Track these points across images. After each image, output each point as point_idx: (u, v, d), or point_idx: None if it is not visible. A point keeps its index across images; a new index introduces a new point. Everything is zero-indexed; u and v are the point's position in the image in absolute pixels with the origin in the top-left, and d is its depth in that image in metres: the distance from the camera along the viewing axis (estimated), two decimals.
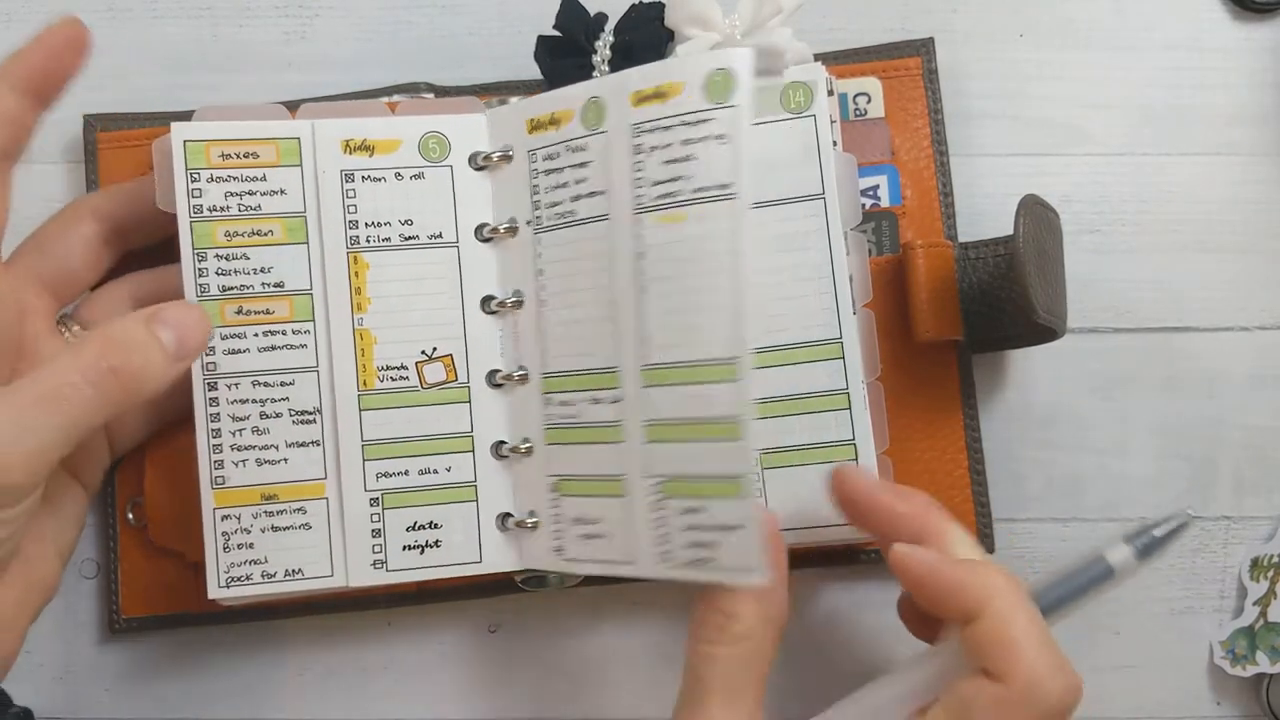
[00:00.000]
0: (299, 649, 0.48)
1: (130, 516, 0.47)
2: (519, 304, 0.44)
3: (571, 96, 0.42)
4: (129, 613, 0.47)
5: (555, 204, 0.43)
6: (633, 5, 0.45)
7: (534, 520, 0.44)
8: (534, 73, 0.45)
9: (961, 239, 0.46)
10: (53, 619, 0.48)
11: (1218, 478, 0.48)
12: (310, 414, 0.43)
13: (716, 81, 0.38)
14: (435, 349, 0.44)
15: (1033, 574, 0.47)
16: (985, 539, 0.46)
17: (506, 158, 0.44)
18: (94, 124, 0.48)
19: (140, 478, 0.46)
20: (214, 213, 0.43)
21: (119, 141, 0.47)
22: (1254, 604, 0.47)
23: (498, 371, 0.44)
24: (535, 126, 0.43)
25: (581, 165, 0.42)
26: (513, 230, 0.44)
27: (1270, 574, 0.47)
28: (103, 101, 0.48)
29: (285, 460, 0.43)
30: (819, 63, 0.44)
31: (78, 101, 0.48)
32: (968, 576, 0.36)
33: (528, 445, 0.44)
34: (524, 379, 0.44)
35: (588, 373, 0.42)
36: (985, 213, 0.48)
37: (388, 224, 0.44)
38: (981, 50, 0.49)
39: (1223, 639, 0.47)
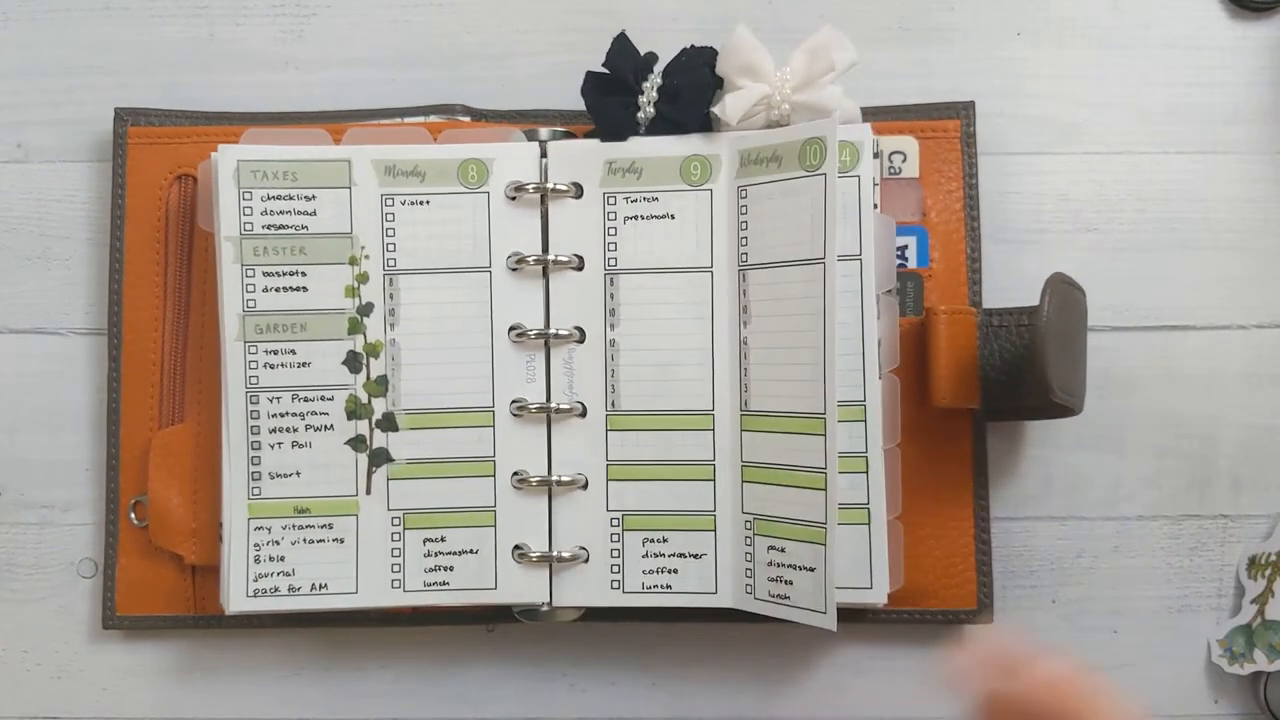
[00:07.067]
0: (296, 649, 0.48)
1: (133, 516, 0.47)
2: (579, 339, 0.44)
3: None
4: (125, 612, 0.47)
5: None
6: (684, 49, 0.44)
7: (581, 553, 0.44)
8: (531, 70, 0.45)
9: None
10: (50, 618, 0.48)
11: (1215, 476, 0.48)
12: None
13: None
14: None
15: (1031, 571, 0.47)
16: (985, 592, 0.46)
17: (574, 193, 0.44)
18: (125, 118, 0.47)
19: (144, 478, 0.46)
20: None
21: (149, 138, 0.47)
22: (1251, 602, 0.47)
23: (518, 401, 0.44)
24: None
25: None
26: (575, 265, 0.44)
27: (1268, 572, 0.47)
28: (97, 100, 0.48)
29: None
30: (867, 123, 0.43)
31: (87, 99, 0.48)
32: None
33: (579, 478, 0.44)
34: (582, 413, 0.44)
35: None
36: (981, 209, 0.48)
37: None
38: (978, 48, 0.49)
39: (1220, 637, 0.47)
